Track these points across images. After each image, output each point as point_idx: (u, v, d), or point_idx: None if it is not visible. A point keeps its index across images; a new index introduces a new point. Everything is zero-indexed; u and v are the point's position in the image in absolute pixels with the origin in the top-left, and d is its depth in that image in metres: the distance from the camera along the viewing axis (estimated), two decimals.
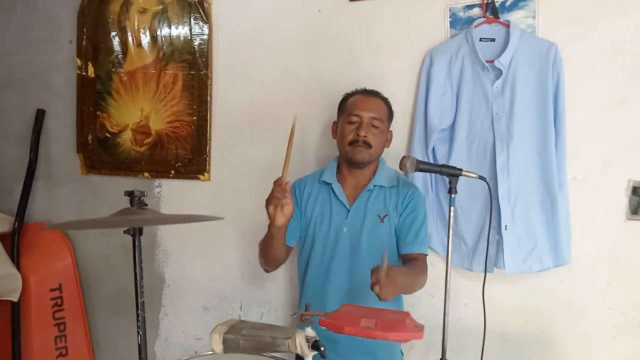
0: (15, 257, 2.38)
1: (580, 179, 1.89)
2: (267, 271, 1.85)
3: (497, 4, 1.93)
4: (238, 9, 2.26)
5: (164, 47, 2.34)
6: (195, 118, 2.31)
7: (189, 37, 2.30)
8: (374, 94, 1.80)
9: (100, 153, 2.47)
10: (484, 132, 1.92)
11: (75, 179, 2.52)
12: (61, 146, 2.54)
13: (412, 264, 1.69)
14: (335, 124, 1.85)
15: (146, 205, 1.21)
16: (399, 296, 1.80)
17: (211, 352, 1.19)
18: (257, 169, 2.27)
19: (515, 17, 1.92)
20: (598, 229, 1.89)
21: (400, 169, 1.51)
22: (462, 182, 1.52)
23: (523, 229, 1.88)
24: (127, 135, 2.41)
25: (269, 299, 2.28)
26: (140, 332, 1.18)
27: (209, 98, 2.29)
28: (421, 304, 1.95)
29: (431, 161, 1.98)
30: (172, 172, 2.36)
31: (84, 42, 2.46)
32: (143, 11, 2.35)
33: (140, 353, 1.19)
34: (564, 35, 1.87)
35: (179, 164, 2.35)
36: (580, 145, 1.88)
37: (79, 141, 2.49)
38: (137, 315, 1.18)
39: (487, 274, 1.62)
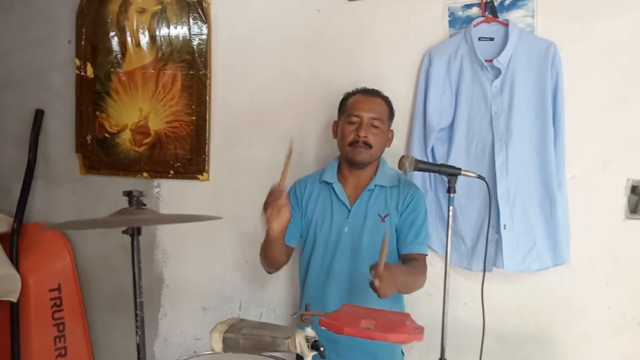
0: (14, 258, 2.38)
1: (579, 178, 1.90)
2: (269, 272, 1.85)
3: (496, 3, 1.94)
4: (237, 9, 2.26)
5: (163, 47, 2.33)
6: (194, 118, 2.31)
7: (188, 37, 2.30)
8: (375, 93, 1.80)
9: (99, 153, 2.46)
10: (482, 131, 1.92)
11: (74, 179, 2.52)
12: (60, 146, 2.54)
13: (411, 264, 1.69)
14: (335, 123, 1.84)
15: (145, 205, 1.21)
16: (400, 297, 1.81)
17: (210, 352, 1.19)
18: (256, 169, 2.27)
19: (514, 16, 1.92)
20: (597, 228, 1.89)
21: (399, 168, 1.52)
22: (461, 182, 1.52)
23: (522, 228, 1.88)
24: (126, 136, 2.41)
25: (268, 299, 2.28)
26: (139, 332, 1.18)
27: (208, 98, 2.29)
28: (420, 303, 1.95)
29: (430, 160, 1.98)
30: (171, 172, 2.36)
31: (82, 42, 2.45)
32: (142, 11, 2.35)
33: (139, 353, 1.18)
34: (563, 34, 1.87)
35: (178, 164, 2.35)
36: (579, 145, 1.88)
37: (77, 141, 2.49)
38: (136, 315, 1.18)
39: (486, 274, 1.62)
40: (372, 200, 1.75)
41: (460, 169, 1.50)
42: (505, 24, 1.89)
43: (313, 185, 1.85)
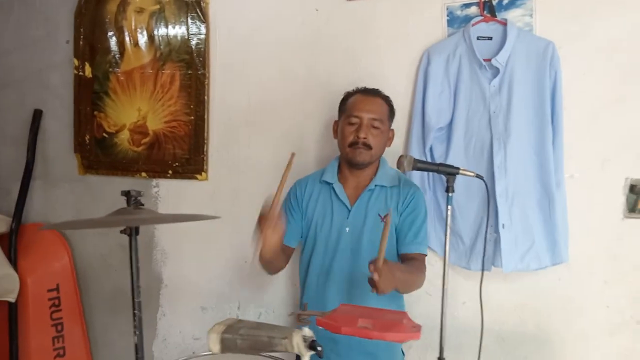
0: (13, 258, 2.38)
1: (577, 177, 1.90)
2: (270, 274, 1.85)
3: (494, 3, 1.94)
4: (235, 9, 2.26)
5: (161, 47, 2.33)
6: (192, 118, 2.31)
7: (186, 37, 2.30)
8: (375, 93, 1.79)
9: (97, 153, 2.46)
10: (481, 130, 1.92)
11: (72, 179, 2.52)
12: (58, 146, 2.53)
13: (410, 263, 1.69)
14: (336, 123, 1.84)
15: (142, 205, 1.21)
16: (400, 296, 1.80)
17: (209, 353, 1.19)
18: (254, 169, 2.27)
19: (513, 15, 1.92)
20: (595, 227, 1.89)
21: (398, 167, 1.52)
22: (459, 181, 1.52)
23: (520, 228, 1.88)
24: (125, 135, 2.41)
25: (267, 299, 2.28)
26: (137, 332, 1.18)
27: (206, 98, 2.29)
28: (419, 302, 1.95)
29: (429, 160, 1.98)
30: (170, 172, 2.36)
31: (81, 42, 2.45)
32: (140, 11, 2.35)
33: (137, 353, 1.18)
34: (561, 33, 1.87)
35: (177, 163, 2.35)
36: (578, 144, 1.88)
37: (76, 141, 2.49)
38: (134, 315, 1.18)
39: (485, 273, 1.62)
40: (372, 200, 1.75)
41: (458, 168, 1.50)
42: (504, 23, 1.89)
43: (313, 185, 1.85)
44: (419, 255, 1.71)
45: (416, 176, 1.98)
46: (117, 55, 2.39)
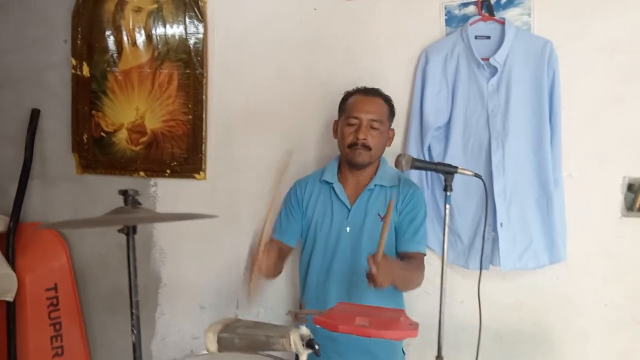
0: (11, 257, 2.38)
1: (575, 176, 1.90)
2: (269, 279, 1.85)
3: (492, 2, 1.94)
4: (233, 8, 2.26)
5: (159, 46, 2.33)
6: (190, 117, 2.31)
7: (184, 36, 2.29)
8: (374, 93, 1.78)
9: (95, 152, 2.46)
10: (479, 129, 1.92)
11: (70, 179, 2.52)
12: (56, 146, 2.53)
13: (409, 261, 1.69)
14: (336, 123, 1.84)
15: (140, 204, 1.20)
16: (399, 295, 1.80)
17: (207, 352, 1.19)
18: (252, 168, 2.26)
19: (511, 14, 1.92)
20: (593, 225, 1.89)
21: (396, 166, 1.51)
22: (457, 180, 1.52)
23: (518, 226, 1.89)
24: (123, 135, 2.41)
25: (266, 298, 2.28)
26: (135, 331, 1.18)
27: (204, 97, 2.29)
28: (417, 301, 1.95)
29: (427, 159, 1.98)
30: (168, 171, 2.36)
31: (78, 42, 2.44)
32: (138, 10, 2.34)
33: (134, 352, 1.18)
34: (560, 32, 1.87)
35: (175, 163, 2.35)
36: (576, 143, 1.89)
37: (74, 140, 2.48)
38: (132, 314, 1.18)
39: (483, 272, 1.63)
40: (372, 200, 1.75)
41: (456, 167, 1.50)
42: (502, 22, 1.89)
43: (313, 185, 1.85)
44: (417, 254, 1.71)
45: (414, 175, 1.98)
46: (115, 55, 2.39)
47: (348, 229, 1.74)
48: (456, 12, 1.98)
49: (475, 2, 1.94)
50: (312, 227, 1.81)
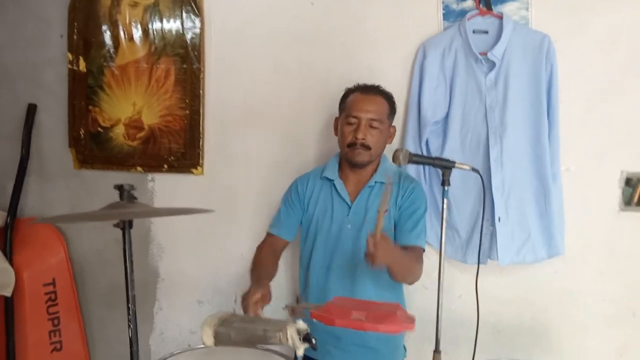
0: (8, 253, 2.37)
1: (573, 171, 1.90)
2: None
3: None
4: (230, 2, 2.25)
5: (156, 41, 2.32)
6: (188, 112, 2.30)
7: (181, 31, 2.28)
8: (375, 91, 1.76)
9: (92, 148, 2.45)
10: (477, 124, 1.92)
11: (67, 174, 2.51)
12: (53, 141, 2.52)
13: (407, 252, 1.69)
14: (336, 120, 1.83)
15: (136, 198, 1.20)
16: (399, 288, 1.81)
17: (204, 346, 1.19)
18: (250, 162, 2.26)
19: (509, 9, 1.91)
20: (591, 220, 1.90)
21: (393, 161, 1.51)
22: (455, 175, 1.52)
23: (516, 221, 1.89)
24: (120, 130, 2.40)
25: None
26: (131, 326, 1.18)
27: (201, 92, 2.28)
28: (415, 296, 1.95)
29: (424, 154, 1.98)
30: (165, 166, 2.36)
31: (75, 37, 2.43)
32: (134, 5, 2.33)
33: (131, 346, 1.18)
34: (558, 27, 1.87)
35: (172, 158, 2.34)
36: (574, 137, 1.89)
37: (71, 136, 2.47)
38: (128, 308, 1.17)
39: (481, 266, 1.63)
40: (373, 196, 1.75)
41: (454, 162, 1.49)
42: (500, 17, 1.89)
43: (315, 181, 1.84)
44: (416, 247, 1.71)
45: (412, 170, 1.98)
46: (112, 50, 2.38)
47: (349, 226, 1.74)
48: (454, 6, 1.98)
49: None
50: (313, 224, 1.80)
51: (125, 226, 1.17)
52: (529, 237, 1.89)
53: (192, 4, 2.25)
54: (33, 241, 2.45)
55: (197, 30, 2.26)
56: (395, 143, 2.04)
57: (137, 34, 2.33)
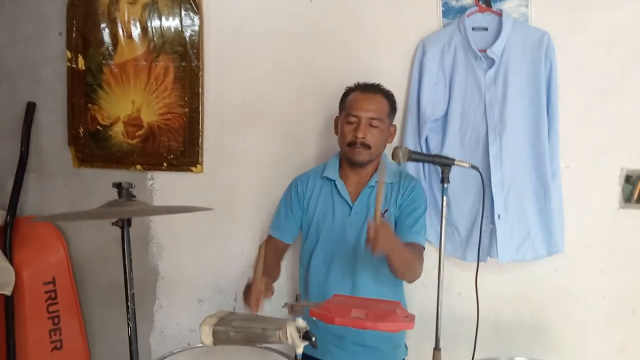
0: (8, 251, 2.37)
1: (573, 168, 1.90)
2: None
3: None
4: (228, 0, 2.24)
5: (155, 39, 2.31)
6: (187, 110, 2.29)
7: (180, 29, 2.28)
8: (375, 90, 1.75)
9: (91, 146, 2.45)
10: (476, 121, 1.91)
11: (67, 172, 2.51)
12: (52, 139, 2.52)
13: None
14: (337, 119, 1.82)
15: (134, 196, 1.20)
16: (399, 286, 1.81)
17: (202, 345, 1.19)
18: (250, 160, 2.26)
19: (508, 6, 1.91)
20: (591, 217, 1.89)
21: (393, 158, 1.51)
22: (455, 172, 1.52)
23: (516, 218, 1.89)
24: (119, 128, 2.39)
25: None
26: (131, 324, 1.18)
27: (200, 90, 2.27)
28: (415, 293, 1.95)
29: (424, 151, 1.98)
30: (165, 164, 2.35)
31: (73, 34, 2.42)
32: (133, 2, 2.32)
33: (130, 345, 1.18)
34: (558, 24, 1.87)
35: (172, 156, 2.34)
36: (574, 134, 1.89)
37: (70, 134, 2.47)
38: (127, 307, 1.17)
39: (481, 263, 1.63)
40: (374, 197, 1.74)
41: (453, 159, 1.49)
42: (499, 14, 1.88)
43: (315, 181, 1.84)
44: (415, 244, 1.70)
45: (411, 167, 1.98)
46: (111, 47, 2.37)
47: (350, 225, 1.74)
48: (453, 3, 1.97)
49: None
50: (313, 224, 1.80)
51: (124, 224, 1.17)
52: (529, 234, 1.88)
53: (191, 1, 2.24)
54: (33, 240, 2.45)
55: (196, 28, 2.26)
56: (394, 140, 2.04)
57: (135, 31, 2.33)
